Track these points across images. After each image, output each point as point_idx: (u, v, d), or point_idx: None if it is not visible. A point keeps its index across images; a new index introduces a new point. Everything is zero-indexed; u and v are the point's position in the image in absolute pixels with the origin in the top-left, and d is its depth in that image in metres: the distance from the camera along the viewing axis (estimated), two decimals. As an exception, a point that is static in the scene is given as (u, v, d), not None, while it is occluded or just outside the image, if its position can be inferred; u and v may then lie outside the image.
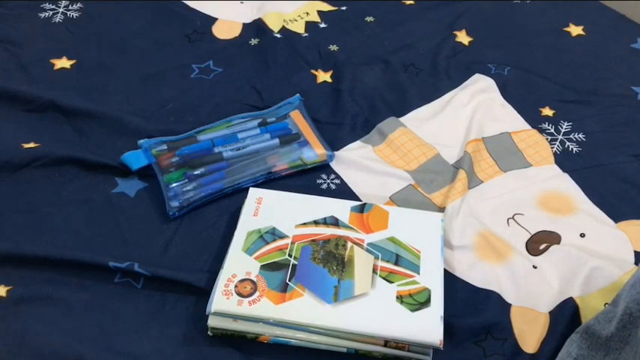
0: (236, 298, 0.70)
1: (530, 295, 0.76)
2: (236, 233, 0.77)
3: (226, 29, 1.11)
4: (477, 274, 0.78)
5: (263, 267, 0.73)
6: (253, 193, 0.82)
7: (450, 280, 0.77)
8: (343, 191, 0.87)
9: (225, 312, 0.69)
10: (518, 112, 0.99)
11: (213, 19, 1.13)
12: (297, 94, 0.98)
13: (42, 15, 1.10)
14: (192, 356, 0.70)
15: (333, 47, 1.08)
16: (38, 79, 0.99)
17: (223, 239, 0.80)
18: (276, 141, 0.90)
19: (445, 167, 0.90)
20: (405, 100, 1.00)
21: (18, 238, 0.79)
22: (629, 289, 0.63)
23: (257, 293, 0.71)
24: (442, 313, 0.70)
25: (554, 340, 0.72)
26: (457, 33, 1.12)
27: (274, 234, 0.77)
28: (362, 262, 0.74)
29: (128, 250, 0.79)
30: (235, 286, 0.71)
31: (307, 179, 0.88)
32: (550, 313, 0.75)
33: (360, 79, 1.02)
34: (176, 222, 0.83)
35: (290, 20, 1.13)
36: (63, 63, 1.02)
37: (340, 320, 0.69)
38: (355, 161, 0.90)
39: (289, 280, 0.72)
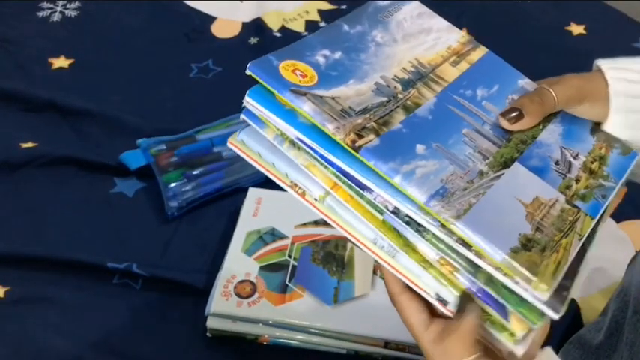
0: (235, 299, 0.70)
1: (531, 295, 0.76)
2: (235, 234, 0.77)
3: (226, 28, 1.10)
4: (478, 274, 0.78)
5: (262, 268, 0.73)
6: (253, 193, 0.81)
7: (451, 280, 0.77)
8: (343, 191, 0.87)
9: (225, 313, 0.69)
10: (519, 112, 0.99)
11: (213, 18, 1.12)
12: (297, 94, 0.97)
13: (40, 14, 1.10)
14: (191, 357, 0.70)
15: (333, 46, 1.08)
16: (36, 79, 0.98)
17: (222, 240, 0.79)
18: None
19: (445, 167, 0.90)
20: (405, 99, 0.99)
21: (16, 239, 0.78)
22: (615, 298, 0.64)
23: (256, 294, 0.70)
24: (443, 314, 0.70)
25: (555, 341, 0.72)
26: (457, 32, 1.12)
27: (274, 234, 0.77)
28: (362, 263, 0.74)
29: (126, 251, 0.78)
30: (234, 287, 0.71)
31: (307, 179, 0.88)
32: (551, 314, 0.75)
33: (360, 79, 1.02)
34: (175, 222, 0.82)
35: (290, 19, 1.12)
36: (61, 62, 1.02)
37: (340, 321, 0.69)
38: (355, 161, 0.90)
39: (289, 281, 0.72)
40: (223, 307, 0.69)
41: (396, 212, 0.44)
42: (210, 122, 0.92)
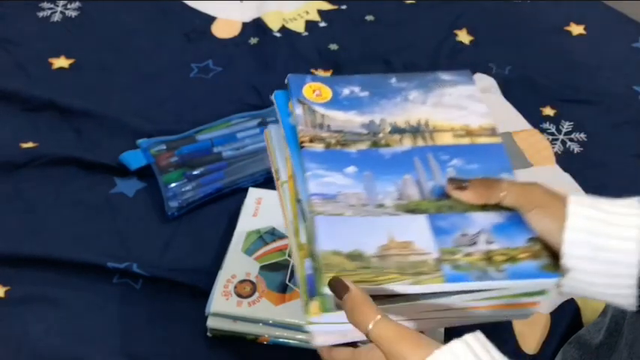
0: (235, 298, 0.70)
1: (531, 295, 0.76)
2: (235, 233, 0.77)
3: (226, 28, 1.11)
4: (478, 274, 0.78)
5: (262, 268, 0.73)
6: (253, 193, 0.81)
7: (451, 280, 0.77)
8: (343, 191, 0.87)
9: (225, 313, 0.69)
10: (519, 112, 0.99)
11: (213, 18, 1.12)
12: (297, 94, 0.97)
13: (40, 14, 1.10)
14: (191, 357, 0.70)
15: (333, 46, 1.08)
16: (36, 79, 0.98)
17: (222, 239, 0.79)
18: (276, 141, 0.90)
19: (446, 167, 0.90)
20: (406, 99, 0.99)
21: (16, 239, 0.78)
22: None
23: (256, 294, 0.70)
24: (443, 314, 0.70)
25: (555, 341, 0.72)
26: (458, 32, 1.11)
27: (274, 234, 0.77)
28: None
29: (127, 251, 0.78)
30: (235, 287, 0.71)
31: (307, 179, 0.88)
32: (551, 314, 0.75)
33: (360, 79, 1.02)
34: (175, 222, 0.82)
35: (290, 19, 1.12)
36: (61, 62, 1.02)
37: (340, 321, 0.69)
38: (355, 161, 0.90)
39: (289, 281, 0.72)
40: (223, 307, 0.69)
41: (300, 201, 0.54)
42: (211, 122, 0.92)
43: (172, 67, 1.03)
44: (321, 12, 1.15)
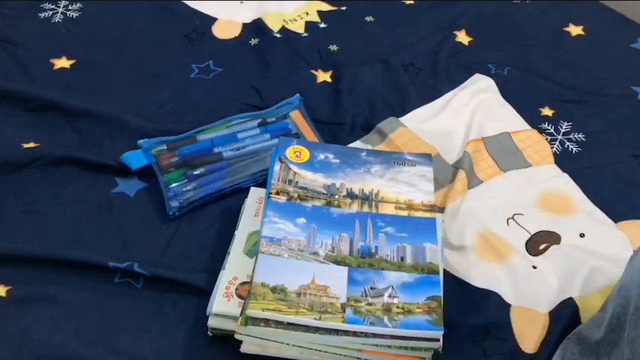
0: (237, 300, 0.70)
1: (529, 295, 0.76)
2: (237, 234, 0.77)
3: (226, 29, 1.11)
4: (477, 274, 0.78)
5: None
6: (254, 193, 0.82)
7: (450, 280, 0.77)
8: (343, 191, 0.87)
9: (226, 314, 0.69)
10: (518, 112, 0.99)
11: (213, 19, 1.12)
12: (297, 94, 0.98)
13: (42, 15, 1.10)
14: (191, 357, 0.70)
15: (333, 47, 1.08)
16: (38, 79, 0.99)
17: (223, 239, 0.80)
18: (276, 141, 0.90)
19: (445, 167, 0.90)
20: (405, 100, 1.00)
21: (18, 238, 0.79)
22: (616, 294, 0.64)
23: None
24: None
25: (554, 340, 0.72)
26: (457, 33, 1.12)
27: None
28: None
29: (128, 250, 0.79)
30: (236, 289, 0.71)
31: (307, 179, 0.88)
32: (550, 313, 0.75)
33: (360, 79, 1.02)
34: (176, 222, 0.83)
35: (290, 20, 1.13)
36: (62, 63, 1.02)
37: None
38: (355, 161, 0.91)
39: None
40: (225, 308, 0.70)
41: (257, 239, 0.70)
42: (211, 123, 0.93)
43: (173, 68, 1.03)
44: (320, 13, 1.15)
